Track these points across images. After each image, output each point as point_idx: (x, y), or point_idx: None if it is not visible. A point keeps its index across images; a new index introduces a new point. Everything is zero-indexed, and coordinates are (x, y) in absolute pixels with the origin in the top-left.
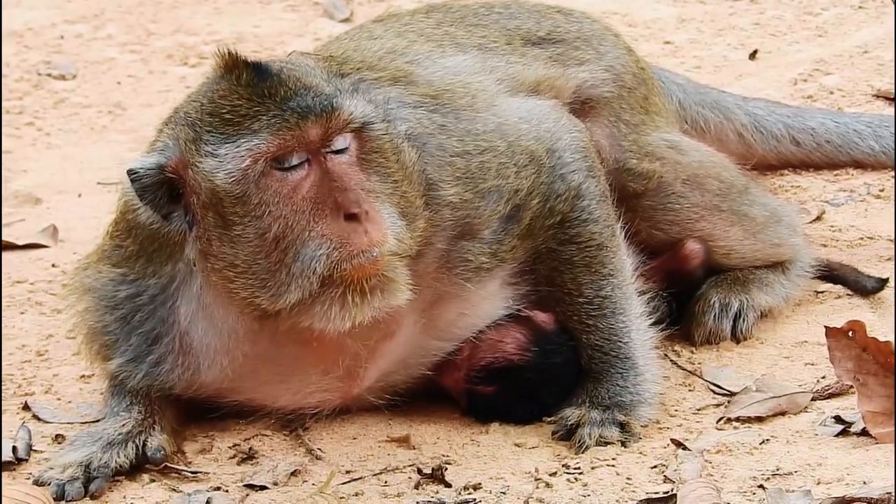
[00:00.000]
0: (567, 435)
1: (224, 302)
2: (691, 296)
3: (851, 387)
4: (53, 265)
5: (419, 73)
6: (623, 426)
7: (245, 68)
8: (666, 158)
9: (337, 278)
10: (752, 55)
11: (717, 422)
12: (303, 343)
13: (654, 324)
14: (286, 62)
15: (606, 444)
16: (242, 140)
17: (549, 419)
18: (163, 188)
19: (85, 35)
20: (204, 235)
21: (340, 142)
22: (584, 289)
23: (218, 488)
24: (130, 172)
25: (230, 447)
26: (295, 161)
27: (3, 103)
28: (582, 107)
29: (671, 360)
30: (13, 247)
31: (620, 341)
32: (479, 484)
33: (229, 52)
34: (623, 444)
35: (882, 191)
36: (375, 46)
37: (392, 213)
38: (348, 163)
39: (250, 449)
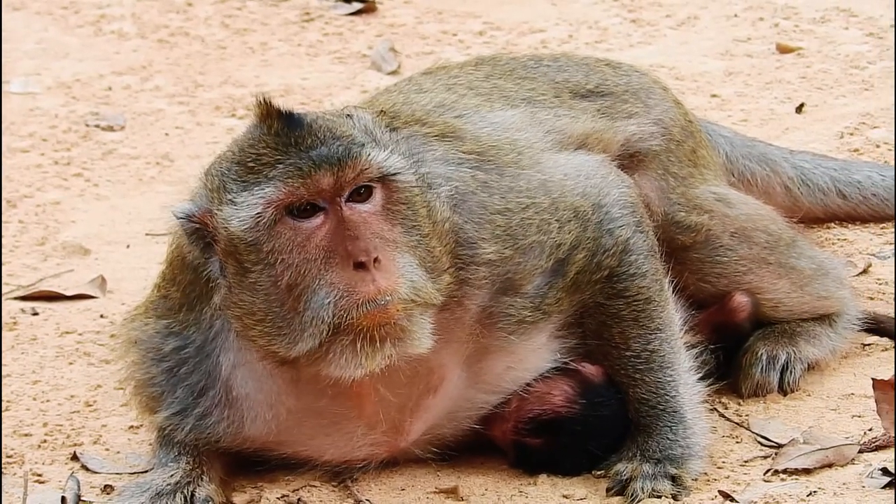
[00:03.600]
0: (621, 490)
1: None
2: (738, 348)
3: None
4: (102, 316)
5: (467, 128)
6: (675, 479)
7: (278, 118)
8: (714, 211)
9: (346, 326)
10: (799, 108)
11: (765, 474)
12: (344, 397)
13: (701, 377)
14: (327, 114)
15: (659, 497)
16: (257, 187)
17: (597, 472)
18: (194, 235)
19: (133, 86)
20: (227, 283)
21: (361, 191)
22: (631, 342)
23: None
24: (175, 215)
25: (279, 498)
26: (309, 210)
27: (53, 154)
28: (630, 160)
29: (718, 412)
30: (62, 297)
31: (668, 395)
32: None
33: (265, 101)
34: (675, 497)
35: None
36: (425, 100)
37: (410, 263)
38: (370, 212)
39: (299, 500)
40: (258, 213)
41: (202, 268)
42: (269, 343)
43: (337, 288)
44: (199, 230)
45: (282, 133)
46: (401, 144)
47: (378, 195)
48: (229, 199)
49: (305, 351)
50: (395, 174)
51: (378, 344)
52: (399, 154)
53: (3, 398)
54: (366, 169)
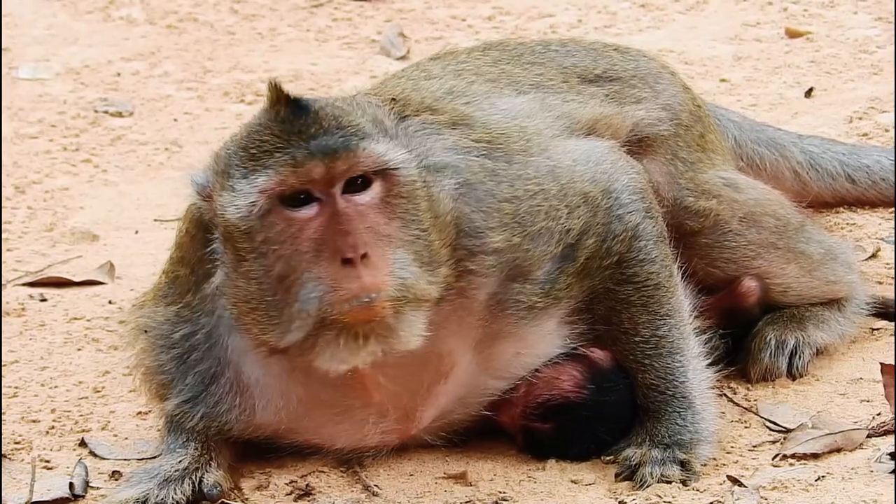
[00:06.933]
0: (631, 475)
1: None
2: (747, 333)
3: None
4: (110, 302)
5: (477, 115)
6: (684, 464)
7: (286, 104)
8: (722, 196)
9: (330, 321)
10: (808, 93)
11: (773, 458)
12: (348, 386)
13: (710, 363)
14: (340, 101)
15: (668, 482)
16: (254, 175)
17: (606, 457)
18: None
19: (142, 72)
20: (224, 267)
21: (359, 182)
22: (640, 328)
23: None
24: (193, 180)
25: (287, 483)
26: (304, 200)
27: (61, 140)
28: (638, 145)
29: (727, 397)
30: (70, 283)
31: (677, 380)
32: None
33: (275, 86)
34: (684, 482)
35: None
36: (434, 87)
37: (404, 258)
38: (368, 205)
39: (307, 485)
40: (252, 202)
41: (210, 243)
42: (262, 331)
43: (323, 282)
44: (206, 205)
45: (287, 120)
46: (409, 135)
47: (377, 187)
48: (230, 185)
49: (293, 342)
50: (394, 168)
51: (362, 341)
52: (403, 147)
53: (12, 384)
54: (360, 161)
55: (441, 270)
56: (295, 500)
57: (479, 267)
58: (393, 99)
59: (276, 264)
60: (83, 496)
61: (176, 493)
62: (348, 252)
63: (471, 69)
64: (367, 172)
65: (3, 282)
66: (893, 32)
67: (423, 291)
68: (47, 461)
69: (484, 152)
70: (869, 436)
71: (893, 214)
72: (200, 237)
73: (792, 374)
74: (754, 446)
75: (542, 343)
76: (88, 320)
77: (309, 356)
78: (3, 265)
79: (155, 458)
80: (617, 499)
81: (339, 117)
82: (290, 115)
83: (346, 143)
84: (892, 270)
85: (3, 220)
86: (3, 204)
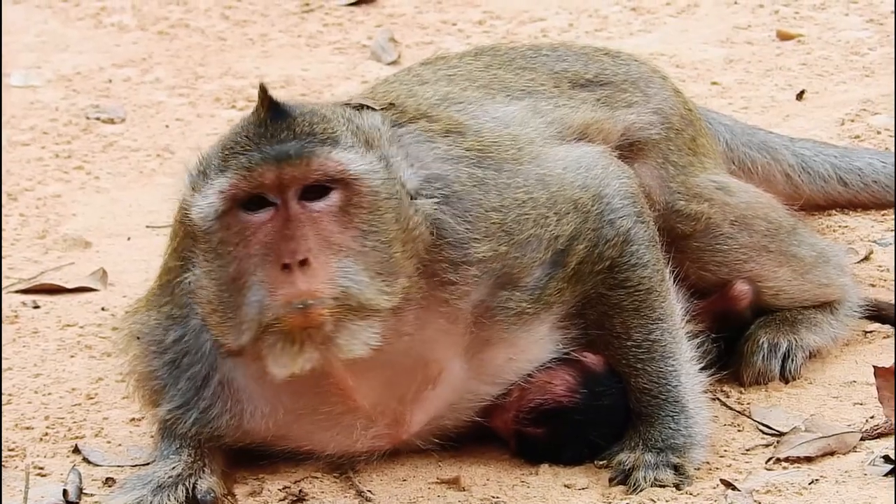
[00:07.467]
0: (624, 480)
1: None
2: (740, 336)
3: None
4: (103, 309)
5: (469, 123)
6: (677, 468)
7: (267, 108)
8: (714, 199)
9: (271, 326)
10: (800, 95)
11: (767, 462)
12: (333, 391)
13: (703, 367)
14: (323, 106)
15: (661, 486)
16: (218, 177)
17: (599, 461)
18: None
19: (133, 79)
20: (193, 267)
21: (314, 190)
22: (633, 333)
23: None
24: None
25: (280, 489)
26: (260, 203)
27: (53, 147)
28: (630, 149)
29: (720, 401)
30: (63, 290)
31: (670, 385)
32: None
33: (262, 89)
34: (677, 486)
35: None
36: (429, 93)
37: (351, 268)
38: (323, 212)
39: (300, 491)
40: (210, 203)
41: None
42: (220, 333)
43: (265, 286)
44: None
45: (262, 124)
46: (403, 144)
47: (335, 196)
48: (199, 185)
49: (244, 344)
50: (353, 178)
51: (299, 347)
52: (376, 158)
53: (5, 391)
54: (314, 169)
55: (400, 281)
56: None
57: (461, 278)
58: (391, 104)
59: (229, 266)
60: (77, 503)
61: (170, 500)
62: (286, 257)
63: (463, 74)
64: (321, 180)
65: None
66: (891, 34)
67: (369, 301)
68: (41, 468)
69: (474, 161)
70: (862, 439)
71: (894, 215)
72: (188, 228)
73: (785, 378)
74: (747, 450)
75: (533, 348)
76: (81, 327)
77: (260, 360)
78: None
79: (148, 464)
80: (610, 503)
81: (314, 124)
82: (266, 119)
83: (299, 150)
84: (885, 273)
85: None
86: None
